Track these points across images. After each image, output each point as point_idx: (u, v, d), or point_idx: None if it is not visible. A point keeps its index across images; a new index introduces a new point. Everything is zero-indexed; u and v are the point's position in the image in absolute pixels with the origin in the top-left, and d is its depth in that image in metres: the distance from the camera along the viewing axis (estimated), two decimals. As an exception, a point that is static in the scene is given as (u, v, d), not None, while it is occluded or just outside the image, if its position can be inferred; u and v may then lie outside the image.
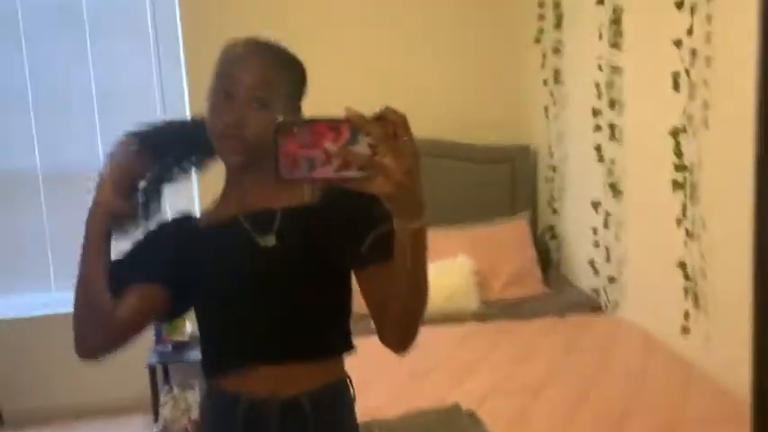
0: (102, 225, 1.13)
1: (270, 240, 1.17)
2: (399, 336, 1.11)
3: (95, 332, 1.15)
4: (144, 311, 1.18)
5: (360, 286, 1.17)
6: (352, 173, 0.82)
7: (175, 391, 3.09)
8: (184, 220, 1.27)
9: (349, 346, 1.24)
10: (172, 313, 1.22)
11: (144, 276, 1.17)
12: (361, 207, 1.00)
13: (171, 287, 1.18)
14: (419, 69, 3.49)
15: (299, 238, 1.18)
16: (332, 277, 1.20)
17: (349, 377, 1.26)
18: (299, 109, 1.20)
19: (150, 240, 1.21)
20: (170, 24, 3.38)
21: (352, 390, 1.26)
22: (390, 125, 0.82)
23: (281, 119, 0.83)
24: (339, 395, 1.23)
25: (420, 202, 0.87)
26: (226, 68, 1.15)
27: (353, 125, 0.81)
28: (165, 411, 3.02)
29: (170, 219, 1.25)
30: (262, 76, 1.13)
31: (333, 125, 0.81)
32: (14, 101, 3.34)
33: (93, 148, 3.36)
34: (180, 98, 3.39)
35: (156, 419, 3.07)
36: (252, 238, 1.18)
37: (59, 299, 3.29)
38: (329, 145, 0.81)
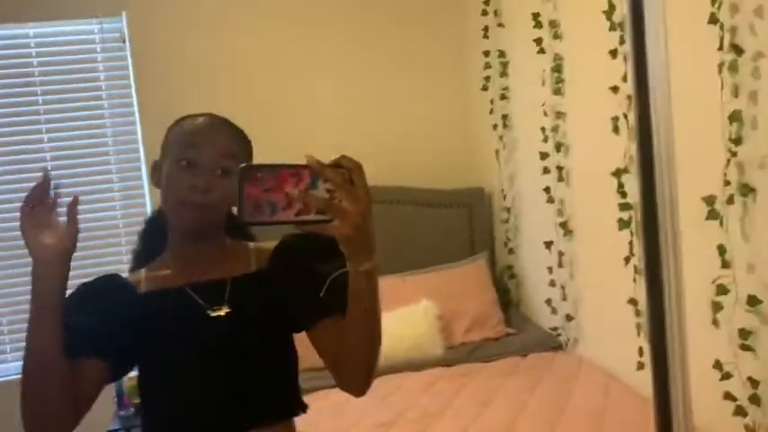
0: (57, 278, 1.06)
1: (221, 310, 1.20)
2: (359, 380, 1.17)
3: (53, 409, 1.09)
4: (97, 382, 1.17)
5: (313, 342, 1.21)
6: (311, 216, 0.88)
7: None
8: (115, 284, 1.25)
9: (301, 406, 1.26)
10: (108, 381, 1.21)
11: (89, 346, 1.15)
12: (310, 264, 1.08)
13: (109, 357, 1.17)
14: (373, 117, 3.57)
15: (250, 306, 1.21)
16: (282, 340, 1.24)
17: None
18: None
19: (80, 307, 1.17)
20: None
21: None
22: (347, 171, 0.89)
23: (244, 164, 0.87)
24: None
25: (373, 243, 0.95)
26: (187, 138, 1.20)
27: (313, 171, 0.87)
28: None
29: (95, 280, 1.24)
30: (226, 147, 1.20)
31: (294, 171, 0.87)
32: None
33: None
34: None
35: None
36: (202, 309, 1.20)
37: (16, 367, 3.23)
38: (291, 190, 0.86)
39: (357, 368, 1.14)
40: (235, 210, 0.91)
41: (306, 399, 1.28)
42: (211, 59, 3.41)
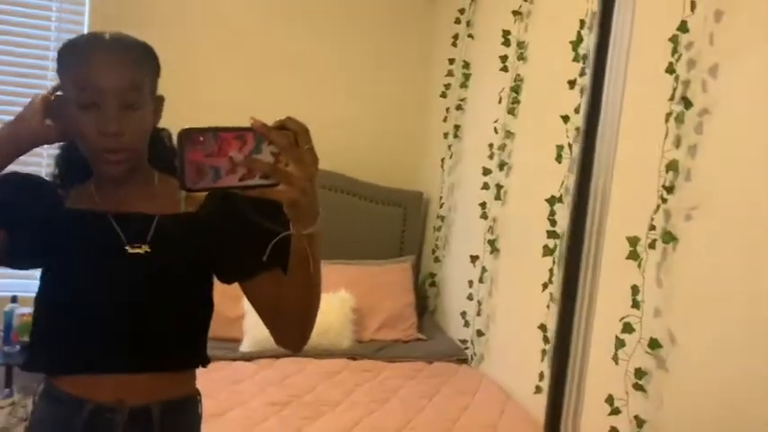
0: (19, 140, 1.11)
1: (140, 248, 1.14)
2: (297, 337, 1.14)
3: None
4: None
5: (247, 294, 1.17)
6: (256, 181, 0.84)
7: (15, 396, 2.87)
8: (44, 184, 1.22)
9: (203, 360, 1.23)
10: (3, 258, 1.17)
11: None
12: (247, 217, 1.02)
13: (13, 232, 1.14)
14: (329, 104, 3.52)
15: (173, 248, 1.16)
16: (199, 290, 1.19)
17: (199, 393, 1.24)
18: (160, 98, 1.19)
19: (4, 185, 1.15)
20: None
21: (200, 406, 1.24)
22: (292, 134, 0.85)
23: (185, 128, 0.82)
24: (188, 408, 1.22)
25: (317, 208, 0.92)
26: (82, 78, 1.08)
27: (258, 134, 0.83)
28: (0, 419, 2.79)
29: (29, 174, 1.20)
30: (129, 78, 1.09)
31: (238, 134, 0.82)
32: None
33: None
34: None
35: (-12, 425, 2.84)
36: (121, 243, 1.14)
37: None
38: (234, 154, 0.82)
39: (295, 326, 1.12)
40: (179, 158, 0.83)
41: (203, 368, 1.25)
42: None
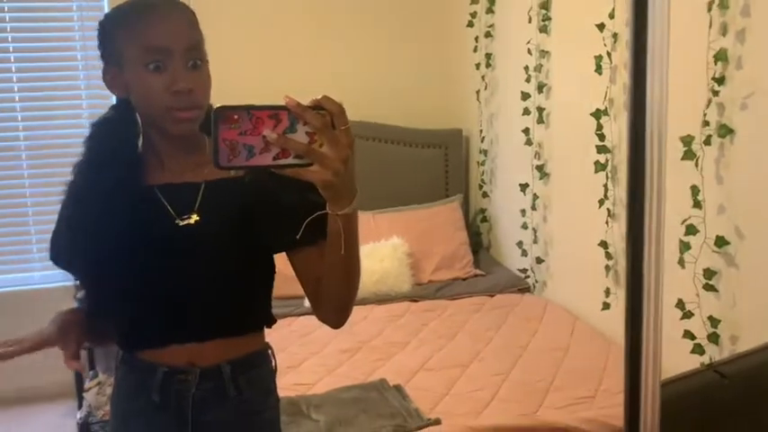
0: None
1: (189, 219, 1.14)
2: (335, 312, 1.13)
3: None
4: None
5: (293, 265, 1.16)
6: (290, 160, 0.82)
7: (101, 376, 3.00)
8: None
9: (269, 320, 1.24)
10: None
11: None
12: (292, 188, 0.98)
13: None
14: (355, 53, 3.48)
15: (221, 216, 1.15)
16: (254, 255, 1.18)
17: (271, 348, 1.25)
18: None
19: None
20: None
21: (273, 360, 1.26)
22: (328, 114, 0.83)
23: (219, 106, 0.81)
24: (259, 363, 1.23)
25: (353, 189, 0.90)
26: (146, 38, 1.08)
27: (292, 113, 0.81)
28: (90, 397, 2.93)
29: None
30: (191, 38, 1.10)
31: (272, 113, 0.81)
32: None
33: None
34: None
35: (80, 406, 2.98)
36: (170, 216, 1.14)
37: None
38: (268, 133, 0.81)
39: (334, 302, 1.11)
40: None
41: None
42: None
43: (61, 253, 1.19)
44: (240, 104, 0.81)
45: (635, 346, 0.67)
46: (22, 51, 3.25)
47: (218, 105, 0.81)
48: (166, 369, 1.15)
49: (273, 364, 1.26)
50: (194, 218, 1.14)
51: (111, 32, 1.13)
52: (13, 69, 3.24)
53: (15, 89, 3.24)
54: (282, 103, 0.82)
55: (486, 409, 1.96)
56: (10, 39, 3.20)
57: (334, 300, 1.10)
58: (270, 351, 1.25)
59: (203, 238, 1.14)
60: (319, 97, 0.84)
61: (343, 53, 3.47)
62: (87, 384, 2.98)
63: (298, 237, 1.05)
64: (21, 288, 3.25)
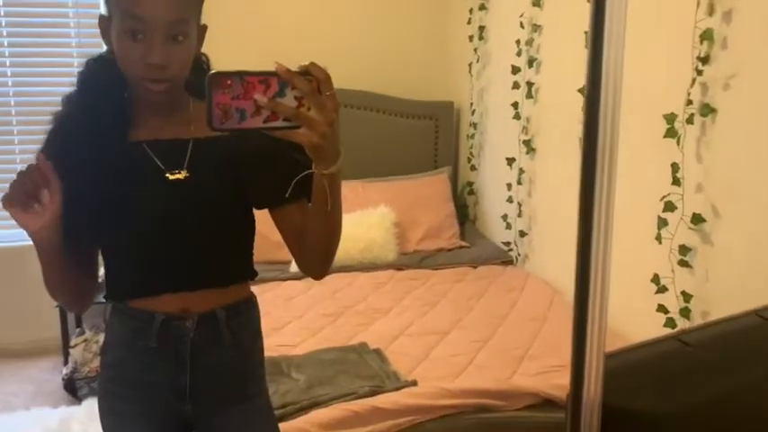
0: (50, 243, 1.12)
1: (179, 174, 1.18)
2: (318, 264, 1.19)
3: (78, 293, 1.24)
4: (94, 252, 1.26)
5: (275, 220, 1.22)
6: (279, 123, 0.88)
7: (87, 333, 3.04)
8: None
9: (252, 273, 1.30)
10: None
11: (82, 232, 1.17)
12: (279, 148, 1.01)
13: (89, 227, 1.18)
14: (348, 22, 3.48)
15: (209, 172, 1.19)
16: (240, 210, 1.23)
17: (254, 296, 1.31)
18: (203, 27, 1.18)
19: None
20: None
21: (257, 308, 1.32)
22: (315, 80, 0.88)
23: (213, 71, 0.86)
24: (248, 309, 1.30)
25: (338, 150, 0.97)
26: (130, 5, 1.08)
27: (282, 79, 0.87)
28: (76, 353, 2.97)
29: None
30: (175, 13, 1.09)
31: (263, 78, 0.86)
32: None
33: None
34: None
35: (65, 362, 3.03)
36: (160, 170, 1.17)
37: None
38: (259, 97, 0.86)
39: (317, 255, 1.17)
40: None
41: (257, 289, 1.33)
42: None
43: None
44: (233, 70, 0.86)
45: (582, 312, 0.71)
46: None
47: (212, 71, 0.86)
48: (163, 317, 1.20)
49: (258, 311, 1.32)
50: (184, 173, 1.18)
51: None
52: (3, 23, 3.21)
53: (6, 44, 3.22)
54: (273, 69, 0.86)
55: (463, 374, 2.02)
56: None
57: (318, 251, 1.16)
58: (254, 299, 1.32)
59: (192, 192, 1.18)
60: (306, 63, 0.89)
61: (337, 22, 3.46)
62: (73, 341, 3.02)
63: (287, 195, 1.11)
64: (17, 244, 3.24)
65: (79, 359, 2.96)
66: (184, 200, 1.18)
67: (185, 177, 1.18)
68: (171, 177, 1.17)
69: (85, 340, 3.04)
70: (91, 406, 2.81)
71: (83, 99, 1.19)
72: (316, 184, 1.03)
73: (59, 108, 1.20)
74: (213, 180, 1.19)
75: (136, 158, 1.18)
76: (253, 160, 1.18)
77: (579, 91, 2.37)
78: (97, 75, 1.20)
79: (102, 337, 3.04)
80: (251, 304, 1.30)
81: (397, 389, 1.82)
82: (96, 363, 2.97)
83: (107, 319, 1.29)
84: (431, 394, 1.78)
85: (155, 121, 1.20)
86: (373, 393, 1.78)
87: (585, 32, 2.32)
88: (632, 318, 2.12)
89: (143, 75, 1.10)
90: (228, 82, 0.85)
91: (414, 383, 1.87)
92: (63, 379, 2.95)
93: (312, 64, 0.89)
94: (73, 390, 2.91)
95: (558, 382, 1.91)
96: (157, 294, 1.21)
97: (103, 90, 1.19)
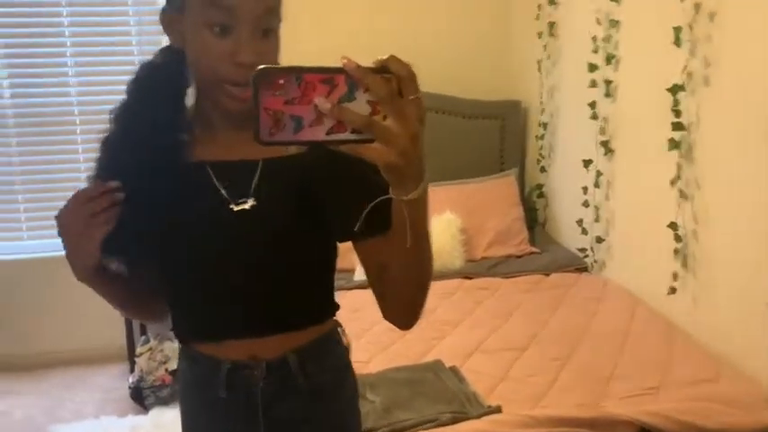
0: (90, 268, 1.00)
1: (245, 203, 1.00)
2: (401, 311, 0.98)
3: (150, 314, 1.20)
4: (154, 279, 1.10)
5: (358, 254, 1.02)
6: (346, 135, 0.68)
7: (152, 342, 3.03)
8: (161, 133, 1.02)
9: (332, 309, 1.12)
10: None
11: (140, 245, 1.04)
12: (355, 168, 0.79)
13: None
14: (411, 19, 3.37)
15: (280, 200, 1.01)
16: (317, 241, 1.04)
17: (340, 325, 1.14)
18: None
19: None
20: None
21: (344, 338, 1.14)
22: (395, 80, 0.68)
23: (261, 67, 0.67)
24: (329, 347, 1.11)
25: (421, 170, 0.74)
26: None
27: (350, 78, 0.67)
28: (142, 362, 2.96)
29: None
30: (267, 1, 0.94)
31: (326, 77, 0.67)
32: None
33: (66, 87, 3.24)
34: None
35: (131, 370, 3.02)
36: (224, 200, 1.00)
37: (31, 246, 3.21)
38: (321, 101, 0.67)
39: (401, 300, 0.96)
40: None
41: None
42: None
43: None
44: (287, 65, 0.68)
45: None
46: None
47: (260, 66, 0.67)
48: (230, 365, 1.05)
49: (345, 341, 1.14)
50: (250, 202, 1.00)
51: None
52: (66, 23, 3.23)
53: (68, 44, 3.24)
54: (339, 64, 0.67)
55: (546, 398, 1.89)
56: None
57: (401, 297, 0.95)
58: (339, 329, 1.14)
59: (259, 223, 1.00)
60: (385, 57, 0.68)
61: (400, 18, 3.35)
62: (138, 349, 3.02)
63: (356, 229, 0.90)
64: (10, 257, 3.21)
65: (145, 368, 2.96)
66: (250, 232, 1.01)
67: (252, 207, 1.00)
68: (236, 209, 1.00)
69: (150, 349, 3.03)
70: (157, 416, 2.80)
71: (137, 110, 1.02)
72: (395, 214, 0.82)
73: (109, 125, 1.04)
74: (283, 209, 1.01)
75: (196, 182, 1.01)
76: (327, 184, 0.98)
77: (669, 90, 2.20)
78: (154, 80, 1.03)
79: (166, 346, 3.04)
80: (332, 340, 1.11)
81: (481, 416, 1.70)
82: (161, 372, 2.95)
83: (178, 363, 1.17)
84: (518, 423, 1.66)
85: (221, 137, 1.03)
86: (455, 420, 1.68)
87: (674, 28, 2.17)
88: None
89: (230, 77, 0.93)
90: (281, 81, 0.66)
91: (498, 410, 1.75)
92: (129, 387, 2.94)
93: (392, 58, 0.68)
94: (139, 398, 2.90)
95: (652, 408, 1.77)
96: (220, 340, 1.06)
97: (161, 97, 1.02)
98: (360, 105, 0.67)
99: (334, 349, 1.12)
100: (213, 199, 1.00)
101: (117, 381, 3.13)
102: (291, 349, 1.06)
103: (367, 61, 0.67)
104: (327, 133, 0.67)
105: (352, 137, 0.68)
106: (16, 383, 3.11)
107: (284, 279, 1.03)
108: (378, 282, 0.99)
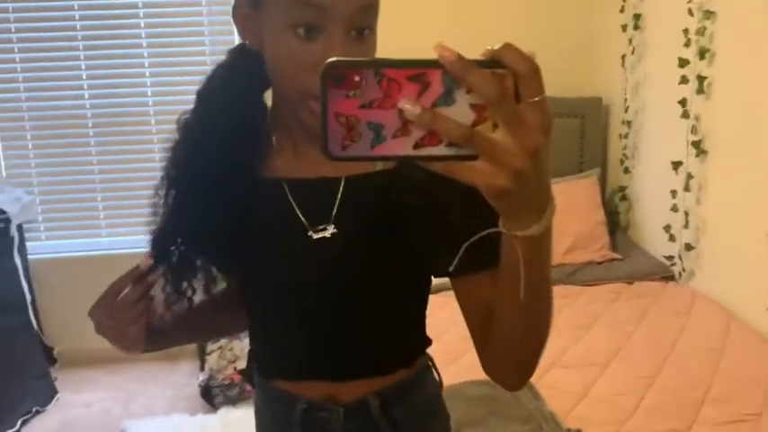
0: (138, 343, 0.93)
1: (325, 231, 0.87)
2: (510, 366, 0.79)
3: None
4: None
5: (454, 291, 0.85)
6: (440, 150, 0.51)
7: (222, 341, 3.04)
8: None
9: (424, 346, 0.99)
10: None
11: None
12: (460, 188, 0.58)
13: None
14: (490, 10, 3.24)
15: (365, 227, 0.87)
16: (406, 276, 0.91)
17: (431, 359, 1.01)
18: None
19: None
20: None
21: (436, 374, 1.02)
22: (510, 77, 0.50)
23: (331, 60, 0.50)
24: (416, 387, 0.98)
25: (544, 198, 0.56)
26: None
27: (448, 74, 0.49)
28: (212, 360, 2.98)
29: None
30: None
31: (415, 72, 0.50)
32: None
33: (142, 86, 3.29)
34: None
35: (202, 368, 3.04)
36: (302, 225, 0.88)
37: (109, 242, 3.29)
38: (408, 105, 0.50)
39: (509, 354, 0.77)
40: None
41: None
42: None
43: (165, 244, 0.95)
44: (363, 59, 0.51)
45: None
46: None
47: (329, 59, 0.50)
48: (305, 406, 0.95)
49: (438, 378, 1.02)
50: (330, 230, 0.87)
51: None
52: (143, 24, 3.27)
53: (144, 45, 3.28)
54: (432, 56, 0.49)
55: (631, 420, 1.75)
56: None
57: (509, 350, 0.76)
58: (430, 364, 1.00)
59: (341, 255, 0.88)
60: (497, 46, 0.50)
61: (472, 12, 3.23)
62: (209, 347, 3.04)
63: (451, 269, 0.74)
64: (88, 253, 3.27)
65: (214, 366, 2.97)
66: (329, 264, 0.88)
67: (333, 235, 0.87)
68: (315, 236, 0.87)
69: (220, 347, 3.04)
70: (225, 415, 2.80)
71: (212, 117, 0.89)
72: (505, 252, 0.64)
73: (175, 136, 0.92)
74: (369, 236, 0.87)
75: (271, 202, 0.89)
76: (424, 209, 0.82)
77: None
78: (228, 84, 0.89)
79: (235, 345, 3.05)
80: (422, 378, 0.98)
81: (560, 439, 1.59)
82: (230, 370, 2.96)
83: (254, 396, 1.08)
84: (602, 450, 1.54)
85: (300, 149, 0.89)
86: (532, 443, 1.57)
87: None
88: None
89: (316, 92, 0.78)
90: (357, 78, 0.50)
91: (579, 433, 1.63)
92: (200, 386, 2.96)
93: (508, 46, 0.50)
94: (209, 397, 2.91)
95: (753, 438, 1.61)
96: (294, 380, 0.97)
97: (237, 104, 0.89)
98: (460, 111, 0.50)
99: (424, 390, 0.99)
100: (289, 223, 0.88)
101: (188, 378, 3.16)
102: (373, 391, 0.94)
103: (469, 52, 0.49)
104: (415, 147, 0.51)
105: (449, 152, 0.51)
106: (93, 377, 3.19)
107: (368, 319, 0.92)
108: (479, 329, 0.80)
